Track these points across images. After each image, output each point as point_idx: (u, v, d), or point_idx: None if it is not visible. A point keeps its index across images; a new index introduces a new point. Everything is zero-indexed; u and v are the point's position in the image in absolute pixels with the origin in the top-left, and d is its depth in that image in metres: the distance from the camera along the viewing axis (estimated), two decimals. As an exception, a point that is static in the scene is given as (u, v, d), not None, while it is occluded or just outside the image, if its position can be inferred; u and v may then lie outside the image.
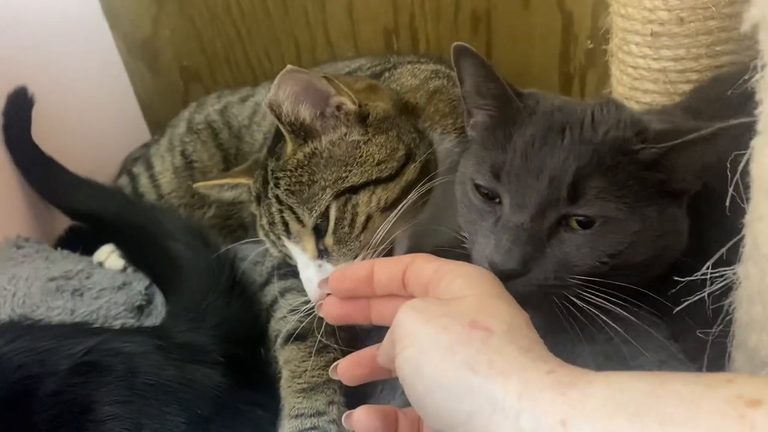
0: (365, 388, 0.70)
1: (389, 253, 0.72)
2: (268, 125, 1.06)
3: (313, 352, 0.73)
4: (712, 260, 0.50)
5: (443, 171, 0.77)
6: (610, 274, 0.57)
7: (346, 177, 0.70)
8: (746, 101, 0.44)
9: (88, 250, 1.02)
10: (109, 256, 0.99)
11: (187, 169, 1.11)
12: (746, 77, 0.44)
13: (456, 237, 0.78)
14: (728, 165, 0.47)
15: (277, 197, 0.72)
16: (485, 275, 0.48)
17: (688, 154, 0.56)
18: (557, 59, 1.23)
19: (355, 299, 0.54)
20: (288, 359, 0.74)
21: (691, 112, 0.72)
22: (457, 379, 0.39)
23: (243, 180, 0.81)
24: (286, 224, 0.72)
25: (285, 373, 0.73)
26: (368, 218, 0.70)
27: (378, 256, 0.70)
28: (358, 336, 0.75)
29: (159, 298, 0.91)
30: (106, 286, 0.90)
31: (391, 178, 0.71)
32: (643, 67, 0.87)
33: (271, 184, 0.73)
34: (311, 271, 0.71)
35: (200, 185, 0.85)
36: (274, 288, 0.82)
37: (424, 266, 0.49)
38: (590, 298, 0.57)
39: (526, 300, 0.47)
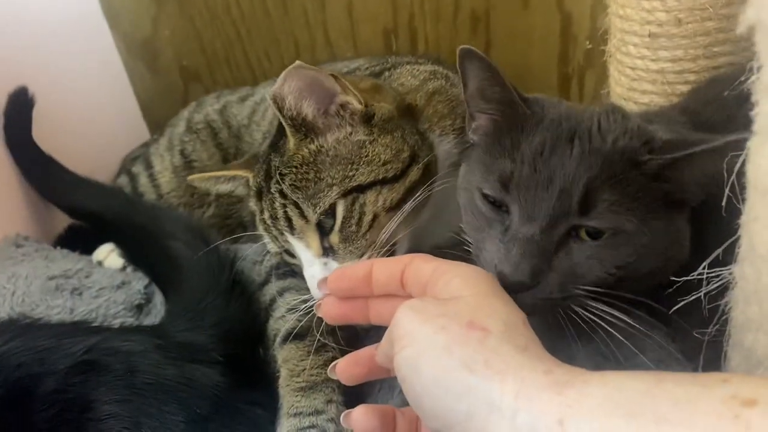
0: (363, 387, 0.70)
1: (391, 253, 0.72)
2: (268, 125, 1.07)
3: (312, 350, 0.73)
4: (709, 260, 0.50)
5: (442, 172, 0.77)
6: (616, 285, 0.57)
7: (353, 176, 0.70)
8: (743, 102, 0.44)
9: (88, 249, 1.02)
10: (108, 255, 0.99)
11: (186, 169, 1.11)
12: (743, 78, 0.44)
13: (453, 237, 0.78)
14: (725, 166, 0.48)
15: (281, 192, 0.72)
16: (482, 275, 0.48)
17: (695, 165, 0.55)
18: (556, 59, 1.23)
19: (354, 299, 0.54)
20: (286, 358, 0.74)
21: (688, 113, 0.72)
22: (454, 378, 0.39)
23: (240, 173, 0.81)
24: (289, 219, 0.72)
25: (283, 372, 0.74)
26: (374, 217, 0.70)
27: (381, 256, 0.71)
28: (357, 335, 0.76)
29: (158, 297, 0.91)
30: (105, 285, 0.90)
31: (396, 178, 0.71)
32: (641, 68, 0.87)
33: (275, 179, 0.73)
34: (316, 269, 0.71)
35: (195, 177, 0.85)
36: (273, 287, 0.83)
37: (423, 266, 0.50)
38: (593, 308, 0.57)
39: (531, 312, 0.47)
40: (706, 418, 0.31)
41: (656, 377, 0.35)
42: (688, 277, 0.52)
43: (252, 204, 0.80)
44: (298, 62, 0.68)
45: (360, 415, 0.51)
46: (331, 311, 0.55)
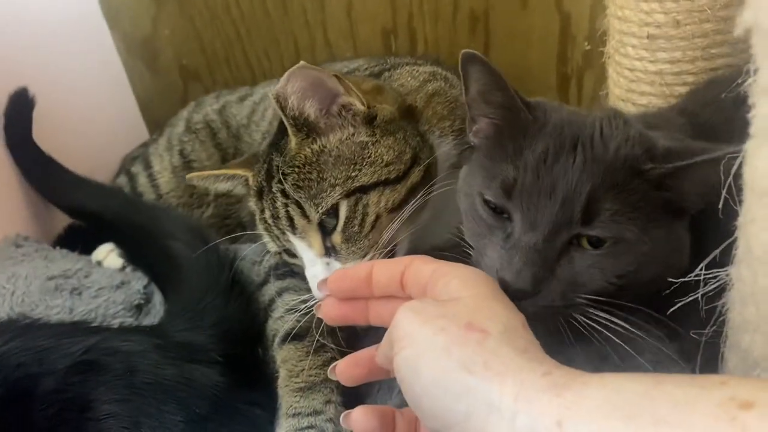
0: (362, 388, 0.71)
1: (392, 254, 0.72)
2: (267, 125, 1.07)
3: (311, 351, 0.73)
4: (706, 262, 0.50)
5: (442, 174, 0.77)
6: (616, 294, 0.58)
7: (356, 176, 0.70)
8: (741, 104, 0.45)
9: (87, 249, 1.02)
10: (107, 255, 0.99)
11: (185, 169, 1.11)
12: (740, 81, 0.44)
13: (452, 238, 0.78)
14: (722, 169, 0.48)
15: (283, 191, 0.72)
16: (482, 277, 0.49)
17: (697, 174, 0.55)
18: (555, 60, 1.23)
19: (354, 300, 0.55)
20: (285, 358, 0.74)
21: (686, 114, 0.72)
22: (453, 379, 0.40)
23: (239, 172, 0.82)
24: (291, 219, 0.72)
25: (282, 373, 0.74)
26: (377, 218, 0.71)
27: (383, 258, 0.71)
28: (356, 335, 0.76)
29: (157, 297, 0.92)
30: (104, 285, 0.91)
31: (398, 179, 0.72)
32: (640, 69, 0.87)
33: (277, 179, 0.73)
34: (318, 268, 0.71)
35: (194, 175, 0.84)
36: (272, 288, 0.83)
37: (422, 268, 0.50)
38: (593, 314, 0.57)
39: (532, 318, 0.47)
40: (704, 420, 0.32)
41: (654, 379, 0.35)
42: (686, 279, 0.52)
43: (252, 203, 0.80)
44: (302, 62, 0.69)
45: (359, 415, 0.51)
46: (331, 312, 0.56)
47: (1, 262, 0.94)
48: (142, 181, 1.13)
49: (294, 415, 0.70)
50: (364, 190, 0.70)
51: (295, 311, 0.75)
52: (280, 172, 0.73)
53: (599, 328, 0.57)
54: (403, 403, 0.65)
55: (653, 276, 0.58)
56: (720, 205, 0.47)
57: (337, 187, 0.70)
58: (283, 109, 0.71)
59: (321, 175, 0.71)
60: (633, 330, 0.56)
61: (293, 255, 0.76)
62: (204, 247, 0.84)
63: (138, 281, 0.93)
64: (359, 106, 0.73)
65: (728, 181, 0.46)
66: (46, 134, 1.10)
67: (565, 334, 0.59)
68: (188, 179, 0.85)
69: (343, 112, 0.73)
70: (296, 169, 0.72)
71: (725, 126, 0.65)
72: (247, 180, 0.81)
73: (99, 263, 0.99)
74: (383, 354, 0.49)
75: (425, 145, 0.76)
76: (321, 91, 0.71)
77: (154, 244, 0.89)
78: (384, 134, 0.73)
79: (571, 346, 0.60)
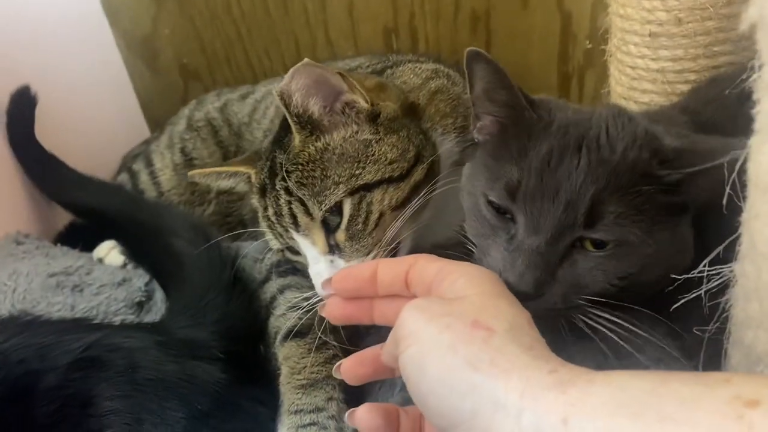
0: (364, 385, 0.69)
1: (395, 252, 0.72)
2: (268, 123, 1.07)
3: (313, 348, 0.73)
4: (709, 258, 0.50)
5: (444, 171, 0.77)
6: (619, 295, 0.58)
7: (360, 174, 0.70)
8: (744, 102, 0.45)
9: (88, 246, 1.02)
10: (109, 252, 0.99)
11: (186, 166, 1.11)
12: (744, 77, 0.44)
13: (454, 235, 0.78)
14: (724, 169, 0.48)
15: (286, 189, 0.72)
16: (487, 275, 0.48)
17: (709, 175, 0.54)
18: (556, 59, 1.24)
19: (358, 299, 0.54)
20: (287, 356, 0.74)
21: (689, 112, 0.72)
22: (458, 377, 0.40)
23: (242, 169, 0.81)
24: (294, 216, 0.72)
25: (284, 370, 0.74)
26: (381, 216, 0.71)
27: (386, 256, 0.71)
28: (359, 333, 0.76)
29: (159, 295, 0.92)
30: (106, 282, 0.91)
31: (401, 178, 0.72)
32: (642, 67, 0.87)
33: (280, 176, 0.73)
34: (321, 266, 0.71)
35: (196, 173, 0.84)
36: (274, 285, 0.83)
37: (427, 266, 0.50)
38: (595, 315, 0.57)
39: (538, 321, 0.47)
40: (710, 418, 0.32)
41: (660, 377, 0.35)
42: (689, 275, 0.52)
43: (255, 201, 0.80)
44: (306, 59, 0.69)
45: (364, 413, 0.51)
46: (335, 312, 0.55)
47: (2, 259, 0.95)
48: (144, 178, 1.13)
49: (296, 411, 0.70)
50: (368, 188, 0.70)
51: (298, 308, 0.75)
52: (284, 169, 0.73)
53: (600, 328, 0.57)
54: (405, 401, 0.66)
55: (656, 277, 0.58)
56: (724, 201, 0.47)
57: (341, 185, 0.70)
58: (287, 106, 0.71)
59: (324, 173, 0.71)
60: (633, 329, 0.56)
61: (296, 252, 0.76)
62: (206, 245, 0.84)
63: (139, 279, 0.93)
64: (363, 104, 0.73)
65: (732, 177, 0.46)
66: (47, 132, 1.11)
67: (566, 333, 0.59)
68: (190, 176, 0.85)
69: (347, 110, 0.73)
70: (300, 167, 0.72)
71: (728, 123, 0.65)
72: (249, 177, 0.81)
73: (100, 260, 0.99)
74: (388, 352, 0.49)
75: (428, 142, 0.76)
76: (325, 88, 0.71)
77: (156, 241, 0.89)
78: (387, 132, 0.73)
79: (573, 343, 0.60)
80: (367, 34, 1.29)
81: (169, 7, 1.33)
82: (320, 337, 0.73)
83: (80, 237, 1.05)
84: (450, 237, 0.80)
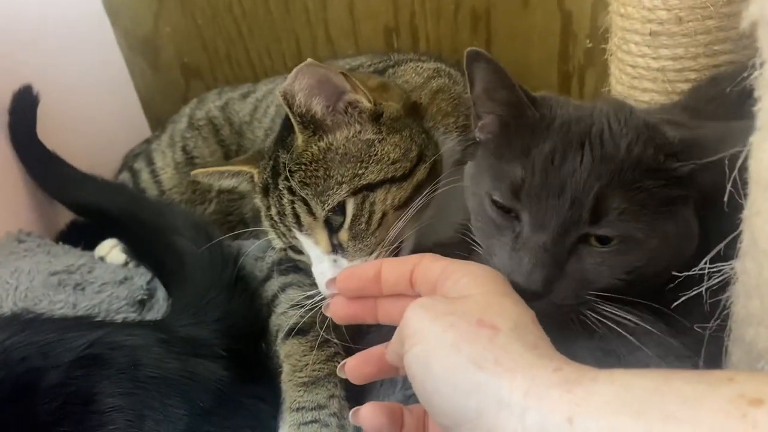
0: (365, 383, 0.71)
1: (397, 251, 0.72)
2: (269, 121, 1.07)
3: (315, 346, 0.73)
4: (710, 255, 0.50)
5: (446, 171, 0.77)
6: (626, 289, 0.58)
7: (363, 174, 0.70)
8: (744, 100, 0.45)
9: (90, 244, 1.02)
10: (110, 250, 1.00)
11: (188, 165, 1.12)
12: (744, 75, 0.44)
13: (456, 233, 0.78)
14: (726, 162, 0.48)
15: (289, 188, 0.73)
16: (491, 274, 0.49)
17: (717, 166, 0.53)
18: (556, 58, 1.24)
19: (363, 299, 0.54)
20: (289, 353, 0.74)
21: (689, 111, 0.72)
22: (463, 375, 0.40)
23: (245, 168, 0.82)
24: (297, 216, 0.72)
25: (286, 367, 0.74)
26: (383, 216, 0.71)
27: (388, 255, 0.71)
28: (360, 331, 0.76)
29: (160, 293, 0.92)
30: (107, 280, 0.91)
31: (404, 177, 0.72)
32: (642, 66, 0.87)
33: (283, 176, 0.73)
34: (325, 265, 0.71)
35: (199, 172, 0.84)
36: (275, 283, 0.83)
37: (432, 266, 0.50)
38: (601, 309, 0.57)
39: (544, 318, 0.47)
40: (714, 416, 0.32)
41: (663, 375, 0.35)
42: (690, 272, 0.52)
43: (257, 200, 0.80)
44: (309, 59, 0.69)
45: (368, 412, 0.51)
46: (339, 311, 0.55)
47: (4, 257, 0.95)
48: (145, 177, 1.14)
49: (298, 409, 0.70)
50: (371, 187, 0.70)
51: (300, 306, 0.75)
52: (287, 169, 0.73)
53: (607, 322, 0.57)
54: (406, 398, 0.66)
55: (663, 267, 0.58)
56: (725, 198, 0.47)
57: (344, 185, 0.70)
58: (290, 106, 0.71)
59: (328, 173, 0.71)
60: (639, 324, 0.57)
61: (299, 251, 0.76)
62: (208, 243, 0.84)
63: (141, 277, 0.93)
64: (366, 104, 0.73)
65: (733, 174, 0.46)
66: (48, 131, 1.11)
67: (576, 327, 0.59)
68: (193, 176, 0.86)
69: (350, 110, 0.73)
70: (303, 167, 0.72)
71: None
72: (252, 176, 0.81)
73: (102, 259, 1.00)
74: (393, 351, 0.49)
75: (430, 142, 0.76)
76: (328, 88, 0.71)
77: (158, 239, 0.89)
78: (390, 132, 0.73)
79: (574, 340, 0.60)
80: (367, 33, 1.29)
81: (170, 5, 1.33)
82: (322, 334, 0.73)
83: (82, 235, 1.05)
84: (452, 236, 0.80)
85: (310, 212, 0.71)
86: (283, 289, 0.81)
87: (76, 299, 0.87)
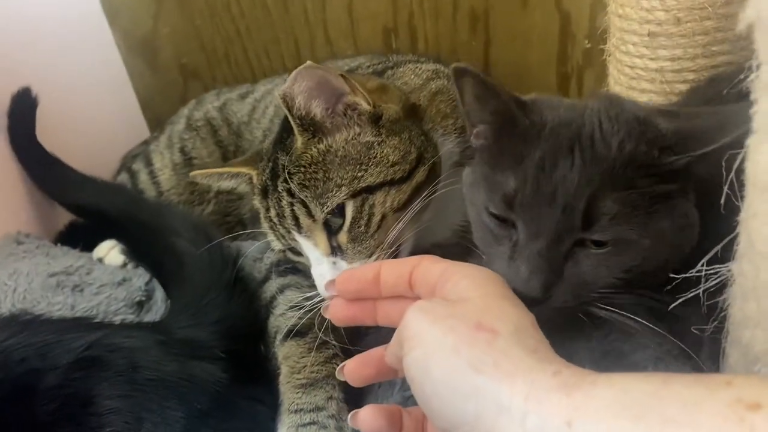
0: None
1: (396, 254, 0.72)
2: (268, 122, 1.07)
3: (313, 348, 0.73)
4: (707, 257, 0.50)
5: (445, 172, 0.77)
6: (626, 286, 0.58)
7: (362, 177, 0.70)
8: (742, 101, 0.45)
9: (88, 246, 1.02)
10: (108, 252, 1.00)
11: (186, 166, 1.11)
12: (742, 77, 0.44)
13: (454, 235, 0.78)
14: (723, 164, 0.48)
15: (288, 191, 0.73)
16: (491, 277, 0.48)
17: (713, 157, 0.53)
18: (555, 58, 1.24)
19: (362, 301, 0.54)
20: (287, 355, 0.74)
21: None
22: (461, 379, 0.40)
23: (244, 170, 0.82)
24: (296, 218, 0.72)
25: (284, 369, 0.74)
26: (383, 218, 0.71)
27: (388, 257, 0.71)
28: (359, 332, 0.76)
29: (158, 294, 0.92)
30: (106, 282, 0.91)
31: (403, 180, 0.72)
32: (640, 67, 0.87)
33: (282, 178, 0.73)
34: (324, 268, 0.72)
35: (198, 173, 0.84)
36: (273, 285, 0.83)
37: (431, 268, 0.50)
38: (600, 309, 0.58)
39: (546, 323, 0.47)
40: (712, 421, 0.32)
41: (662, 379, 0.35)
42: (688, 274, 0.52)
43: (256, 202, 0.80)
44: (308, 62, 0.69)
45: (367, 415, 0.51)
46: (339, 313, 0.55)
47: (2, 258, 0.95)
48: (143, 178, 1.13)
49: (296, 411, 0.70)
50: (370, 190, 0.70)
51: (298, 308, 0.75)
52: (286, 171, 0.73)
53: (608, 317, 0.57)
54: (404, 400, 0.66)
55: (664, 261, 0.59)
56: (722, 201, 0.47)
57: (343, 187, 0.70)
58: (289, 108, 0.71)
59: (327, 175, 0.71)
60: (638, 324, 0.57)
61: (298, 253, 0.76)
62: (207, 244, 0.84)
63: (139, 278, 0.93)
64: (365, 106, 0.73)
65: (730, 176, 0.46)
66: (47, 132, 1.11)
67: (570, 330, 0.59)
68: (192, 177, 0.85)
69: (349, 112, 0.73)
70: (302, 169, 0.72)
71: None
72: (251, 178, 0.81)
73: (100, 260, 1.00)
74: (392, 354, 0.49)
75: (429, 144, 0.76)
76: (327, 90, 0.71)
77: (157, 241, 0.89)
78: (389, 134, 0.73)
79: (572, 342, 0.60)
80: (366, 34, 1.29)
81: (168, 6, 1.33)
82: (320, 336, 0.73)
83: (80, 237, 1.05)
84: (449, 237, 0.80)
85: (310, 214, 0.71)
86: (281, 290, 0.81)
87: (75, 300, 0.87)
